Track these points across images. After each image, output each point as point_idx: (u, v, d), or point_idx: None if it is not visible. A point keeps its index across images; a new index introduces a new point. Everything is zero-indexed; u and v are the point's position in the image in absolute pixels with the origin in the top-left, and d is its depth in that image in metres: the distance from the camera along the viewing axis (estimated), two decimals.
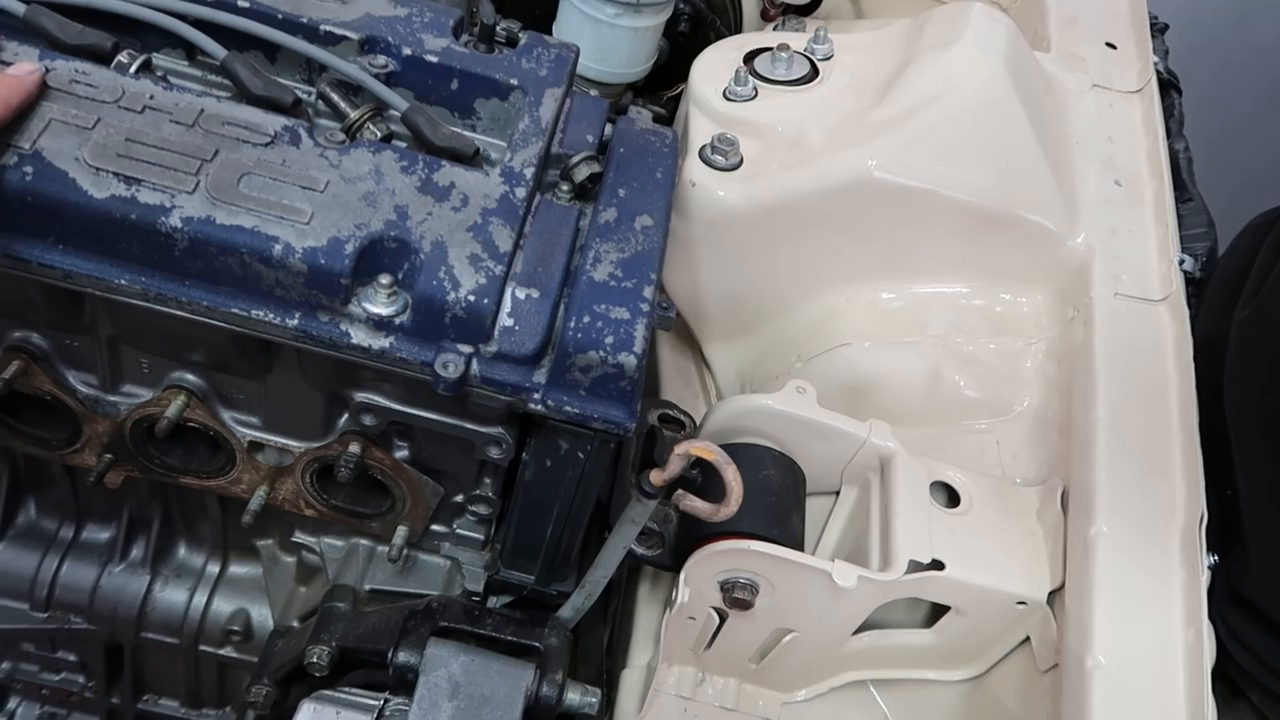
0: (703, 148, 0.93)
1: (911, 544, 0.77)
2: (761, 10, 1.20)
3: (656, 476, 0.66)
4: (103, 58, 0.69)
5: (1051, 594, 0.77)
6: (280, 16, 0.73)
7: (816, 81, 0.99)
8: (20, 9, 0.68)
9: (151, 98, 0.65)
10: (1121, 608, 0.71)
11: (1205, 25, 1.86)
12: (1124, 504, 0.76)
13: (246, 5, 0.73)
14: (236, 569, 0.92)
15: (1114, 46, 1.10)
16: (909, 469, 0.82)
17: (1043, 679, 0.78)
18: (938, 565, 0.76)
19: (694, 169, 0.92)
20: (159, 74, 0.72)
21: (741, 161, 0.93)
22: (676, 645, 0.84)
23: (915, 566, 0.76)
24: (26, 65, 0.64)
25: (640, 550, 0.79)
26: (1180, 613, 0.71)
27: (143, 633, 0.91)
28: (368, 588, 0.82)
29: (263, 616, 0.92)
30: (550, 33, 1.07)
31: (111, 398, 0.75)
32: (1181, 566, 0.73)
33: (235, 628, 0.91)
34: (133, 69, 0.69)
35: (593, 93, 0.86)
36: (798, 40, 1.02)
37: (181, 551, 0.91)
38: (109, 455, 0.77)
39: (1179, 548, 0.74)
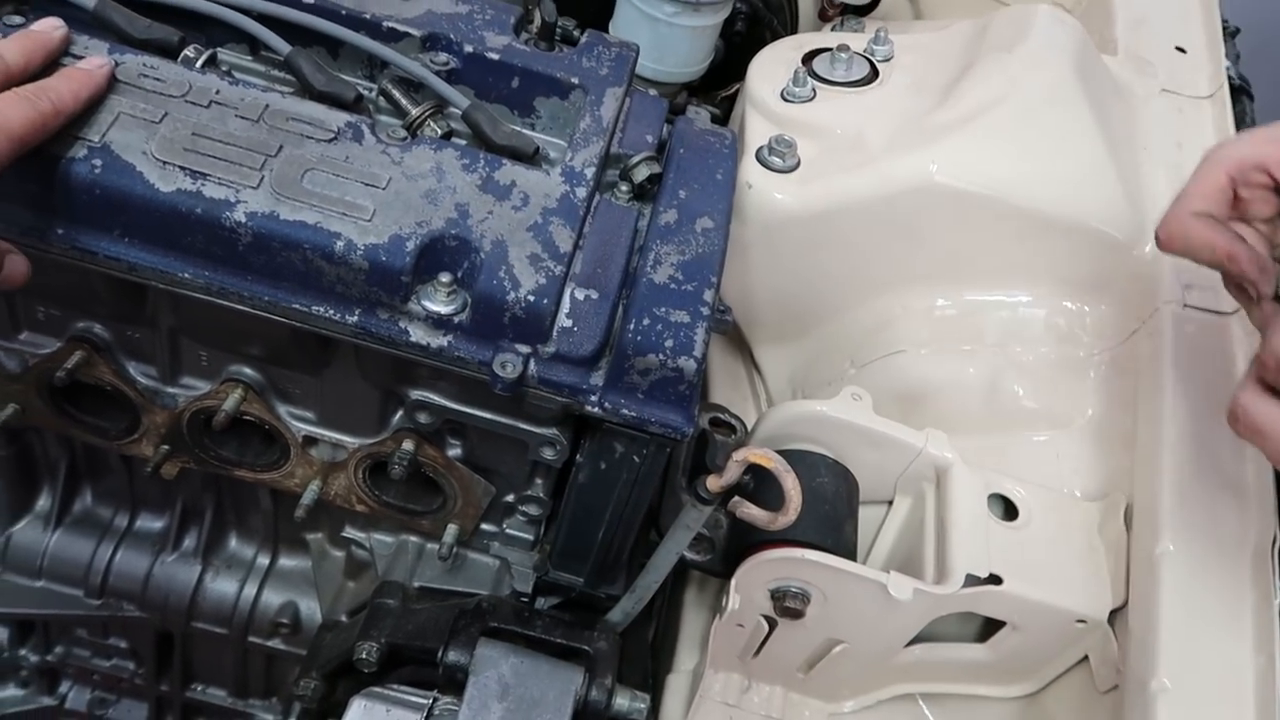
0: (760, 149, 0.92)
1: (968, 557, 0.75)
2: (819, 10, 1.19)
3: (713, 483, 0.65)
4: (170, 52, 0.69)
5: (1113, 613, 0.75)
6: (344, 13, 0.74)
7: (876, 83, 0.97)
8: (90, 3, 0.69)
9: (218, 92, 0.66)
10: (1188, 630, 0.69)
11: (1277, 26, 1.81)
12: (1192, 522, 0.74)
13: (311, 1, 0.73)
14: (286, 562, 0.93)
15: (1183, 50, 1.07)
16: (966, 480, 0.80)
17: (1101, 700, 0.76)
18: (995, 580, 0.75)
19: (750, 170, 0.91)
20: (224, 69, 0.72)
21: (799, 163, 0.92)
22: (724, 651, 0.83)
23: (972, 580, 0.74)
24: (96, 59, 0.64)
25: (690, 555, 0.79)
26: (1250, 637, 0.69)
27: (193, 622, 0.92)
28: (417, 585, 0.82)
29: (311, 610, 0.92)
30: (604, 29, 1.06)
31: (170, 389, 0.75)
32: (1252, 589, 0.71)
33: (284, 620, 0.91)
34: (199, 63, 0.69)
35: (652, 92, 0.85)
36: (857, 41, 1.01)
37: (233, 543, 0.92)
38: (166, 446, 0.78)
39: (1250, 570, 0.72)
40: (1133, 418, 0.84)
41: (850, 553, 0.78)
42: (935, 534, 0.79)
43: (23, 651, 0.98)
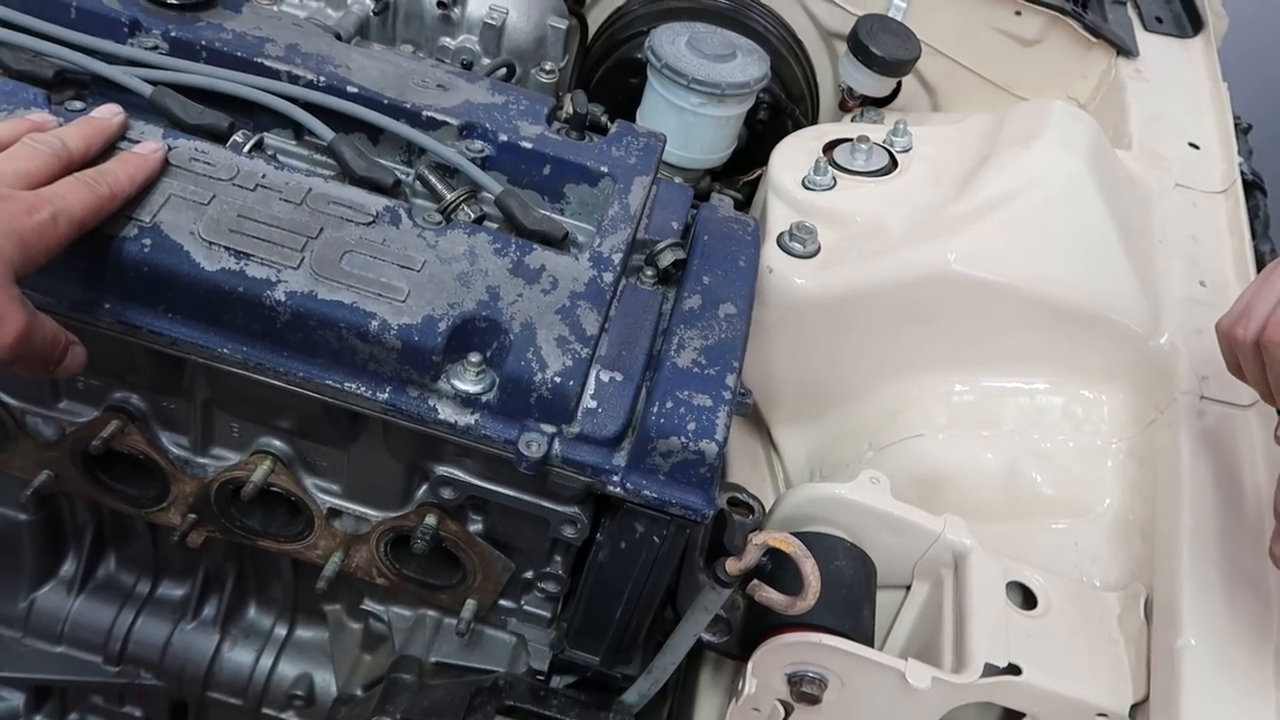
0: (781, 234, 0.94)
1: (987, 646, 0.75)
2: (840, 101, 1.23)
3: (732, 565, 0.66)
4: (220, 137, 0.72)
5: (1134, 707, 0.74)
6: (385, 102, 0.77)
7: (895, 173, 1.00)
8: (147, 90, 0.73)
9: (264, 176, 0.69)
10: None
11: None
12: (1213, 616, 0.73)
13: (355, 91, 0.77)
14: (303, 632, 0.93)
15: (1197, 146, 1.10)
16: (984, 567, 0.80)
17: None
18: (1014, 669, 0.74)
19: (772, 255, 0.93)
20: (270, 153, 0.75)
21: (819, 249, 0.94)
22: None
23: (990, 669, 0.74)
24: (151, 144, 0.67)
25: (707, 637, 0.78)
26: None
27: (209, 692, 0.92)
28: (433, 660, 0.82)
29: (326, 682, 0.92)
30: (631, 116, 1.10)
31: (201, 459, 0.77)
32: (1276, 686, 0.70)
33: (299, 692, 0.91)
34: (247, 148, 0.72)
35: (677, 180, 0.88)
36: (877, 132, 1.04)
37: (251, 612, 0.93)
38: (193, 515, 0.79)
39: (1273, 665, 0.71)
40: (1151, 508, 0.84)
41: (868, 638, 0.78)
42: (953, 621, 0.79)
43: (38, 717, 0.98)
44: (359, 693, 0.88)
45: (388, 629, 0.86)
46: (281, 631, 0.92)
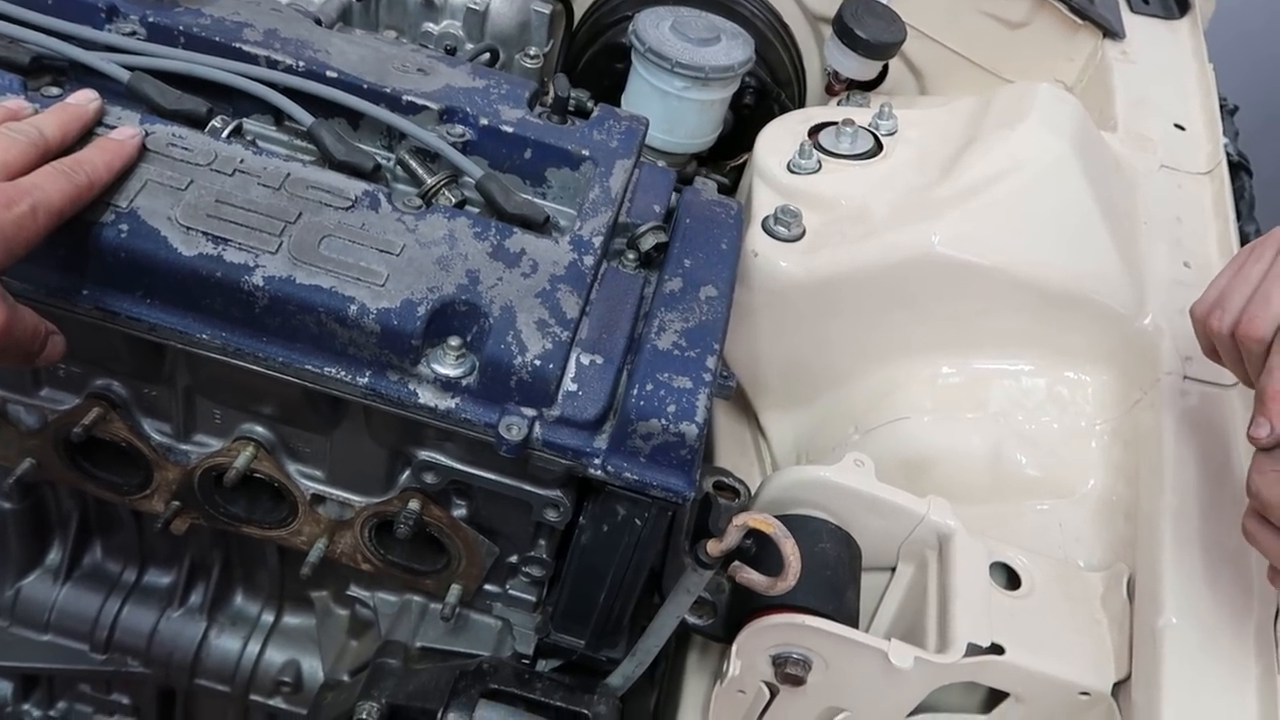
0: (766, 218, 0.94)
1: (970, 626, 0.75)
2: (826, 85, 1.22)
3: (713, 547, 0.66)
4: (198, 122, 0.72)
5: (1116, 685, 0.75)
6: (365, 86, 0.77)
7: (881, 156, 1.00)
8: (125, 75, 0.72)
9: (242, 161, 0.68)
10: (1192, 705, 0.69)
11: (1276, 103, 1.85)
12: (1195, 595, 0.74)
13: (335, 75, 0.77)
14: (290, 619, 0.93)
15: (1182, 128, 1.10)
16: (968, 548, 0.80)
17: None
18: (997, 649, 0.74)
19: (756, 239, 0.93)
20: (249, 138, 0.75)
21: (804, 233, 0.94)
22: (725, 718, 0.83)
23: (974, 649, 0.74)
24: (128, 130, 0.67)
25: (692, 619, 0.79)
26: (1255, 712, 0.69)
27: (196, 679, 0.92)
28: (419, 645, 0.82)
29: (313, 668, 0.92)
30: (617, 101, 1.10)
31: (183, 446, 0.77)
32: (1256, 663, 0.71)
33: (286, 678, 0.91)
34: (225, 133, 0.72)
35: (660, 163, 0.88)
36: (862, 115, 1.04)
37: (238, 599, 0.93)
38: (176, 502, 0.79)
39: (1253, 643, 0.72)
40: (1134, 489, 0.84)
41: (852, 619, 0.78)
42: (937, 602, 0.79)
43: (26, 706, 0.98)
44: (346, 678, 0.88)
45: (374, 615, 0.86)
46: (268, 618, 0.92)
